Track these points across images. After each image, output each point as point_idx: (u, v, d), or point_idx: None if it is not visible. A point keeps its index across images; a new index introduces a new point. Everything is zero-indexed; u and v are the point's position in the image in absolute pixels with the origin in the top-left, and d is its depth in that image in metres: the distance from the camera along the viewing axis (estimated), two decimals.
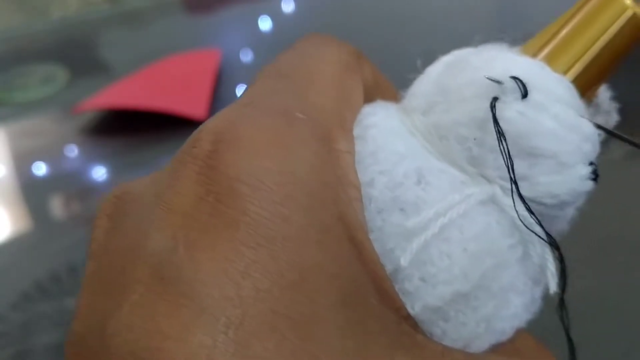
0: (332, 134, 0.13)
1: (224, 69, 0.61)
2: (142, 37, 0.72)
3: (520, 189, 0.13)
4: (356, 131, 0.14)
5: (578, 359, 0.13)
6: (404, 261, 0.13)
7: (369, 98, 0.16)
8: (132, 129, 0.54)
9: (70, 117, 0.56)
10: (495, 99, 0.13)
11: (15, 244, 0.44)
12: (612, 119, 0.15)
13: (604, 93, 0.15)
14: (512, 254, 0.13)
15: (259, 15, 0.70)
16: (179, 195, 0.12)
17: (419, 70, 0.16)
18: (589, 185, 0.14)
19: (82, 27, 0.75)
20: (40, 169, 0.51)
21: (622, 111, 0.15)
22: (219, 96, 0.57)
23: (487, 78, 0.13)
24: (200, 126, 0.13)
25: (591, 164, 0.14)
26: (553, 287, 0.13)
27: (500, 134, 0.13)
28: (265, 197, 0.11)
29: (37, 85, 0.62)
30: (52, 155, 0.52)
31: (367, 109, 0.15)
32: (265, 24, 0.70)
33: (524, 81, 0.13)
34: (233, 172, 0.12)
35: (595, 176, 0.14)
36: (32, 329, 0.38)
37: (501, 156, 0.13)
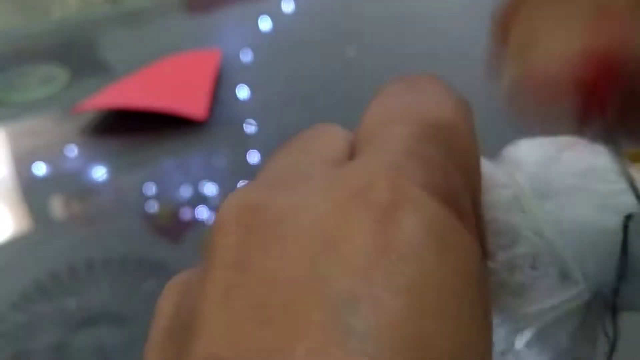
0: (476, 195, 0.14)
1: (224, 69, 0.61)
2: (142, 38, 0.72)
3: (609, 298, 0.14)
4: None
5: None
6: (518, 345, 0.13)
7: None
8: (132, 129, 0.54)
9: (71, 117, 0.56)
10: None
11: (15, 243, 0.44)
12: None
13: None
14: None
15: (259, 15, 0.70)
16: (356, 242, 0.11)
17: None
18: None
19: (82, 27, 0.75)
20: (40, 169, 0.51)
21: None
22: (218, 96, 0.57)
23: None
24: (363, 165, 0.13)
25: None
26: None
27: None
28: (444, 269, 0.12)
29: (37, 85, 0.62)
30: (52, 155, 0.52)
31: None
32: (265, 24, 0.70)
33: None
34: (416, 234, 0.11)
35: None
36: (32, 329, 0.38)
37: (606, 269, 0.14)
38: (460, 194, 0.13)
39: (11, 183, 0.50)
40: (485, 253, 0.13)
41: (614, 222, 0.14)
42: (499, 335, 0.14)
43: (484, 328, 0.12)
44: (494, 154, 0.16)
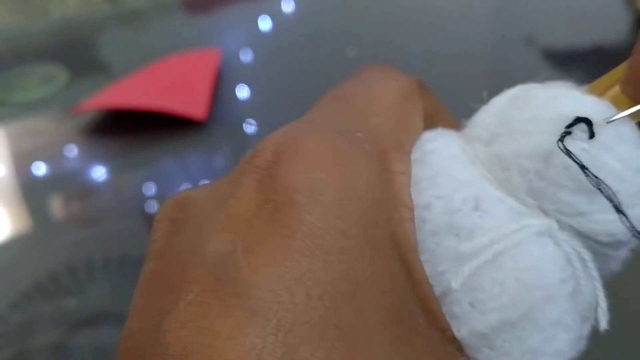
0: (388, 155, 0.14)
1: (224, 69, 0.61)
2: (142, 37, 0.72)
3: (577, 224, 0.13)
4: (415, 155, 0.15)
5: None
6: (454, 284, 0.13)
7: (429, 126, 0.16)
8: (132, 129, 0.54)
9: (70, 117, 0.56)
10: (566, 133, 0.13)
11: (14, 243, 0.44)
12: None
13: None
14: (563, 289, 0.13)
15: (258, 15, 0.70)
16: (239, 202, 0.12)
17: (483, 101, 0.16)
18: None
19: (81, 27, 0.75)
20: (39, 168, 0.51)
21: None
22: (218, 96, 0.57)
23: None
24: (263, 139, 0.13)
25: None
26: (604, 324, 0.13)
27: (582, 166, 0.13)
28: (323, 209, 0.12)
29: (36, 85, 0.62)
30: (51, 155, 0.52)
31: (428, 134, 0.16)
32: (265, 23, 0.70)
33: (591, 121, 0.13)
34: (293, 183, 0.12)
35: None
36: (32, 329, 0.38)
37: (560, 190, 0.13)
38: (355, 149, 0.13)
39: (10, 183, 0.50)
40: (402, 201, 0.14)
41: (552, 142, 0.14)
42: (444, 277, 0.13)
43: (387, 263, 0.12)
44: None
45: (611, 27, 0.64)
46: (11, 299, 0.39)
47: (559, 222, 0.14)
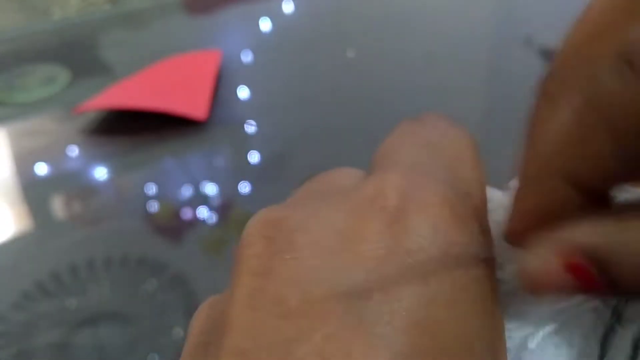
0: (480, 212, 0.15)
1: (225, 70, 0.61)
2: (143, 38, 0.73)
3: None
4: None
5: None
6: (531, 344, 0.14)
7: None
8: (133, 130, 0.54)
9: (72, 117, 0.56)
10: None
11: (16, 243, 0.45)
12: None
13: None
14: None
15: (259, 16, 0.71)
16: (368, 242, 0.13)
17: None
18: None
19: (83, 27, 0.76)
20: (41, 169, 0.51)
21: None
22: (219, 97, 0.57)
23: None
24: (375, 179, 0.14)
25: None
26: None
27: None
28: (450, 264, 0.13)
29: (38, 85, 0.62)
30: (53, 156, 0.52)
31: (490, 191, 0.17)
32: (265, 24, 0.70)
33: None
34: (422, 233, 0.13)
35: None
36: (33, 328, 0.38)
37: None
38: (465, 205, 0.14)
39: (13, 183, 0.50)
40: (492, 260, 0.14)
41: None
42: (514, 338, 0.14)
43: (491, 318, 0.13)
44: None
45: None
46: (13, 298, 0.39)
47: None
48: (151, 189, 0.48)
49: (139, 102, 0.54)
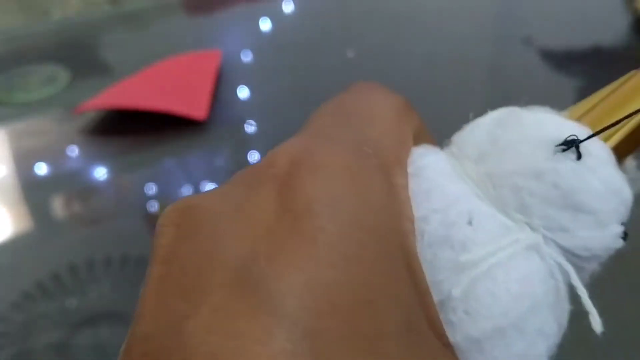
0: (391, 169, 0.15)
1: (225, 70, 0.61)
2: (143, 38, 0.73)
3: (560, 239, 0.15)
4: (410, 170, 0.16)
5: None
6: (455, 293, 0.14)
7: (415, 143, 0.17)
8: (133, 130, 0.54)
9: (72, 117, 0.56)
10: (561, 149, 0.15)
11: (16, 243, 0.45)
12: (637, 186, 0.17)
13: (630, 162, 0.17)
14: (546, 300, 0.15)
15: (259, 17, 0.71)
16: (257, 209, 0.13)
17: (469, 120, 0.17)
18: (620, 243, 0.15)
19: (83, 28, 0.76)
20: (41, 168, 0.51)
21: None
22: (219, 97, 0.57)
23: (558, 144, 0.15)
24: (274, 149, 0.14)
25: (623, 224, 0.15)
26: (598, 328, 0.14)
27: None
28: (342, 219, 0.12)
29: (38, 85, 0.62)
30: (53, 156, 0.52)
31: (419, 150, 0.17)
32: (265, 24, 0.70)
33: (578, 143, 0.15)
34: (311, 194, 0.13)
35: (625, 235, 0.15)
36: (33, 329, 0.38)
37: (548, 207, 0.15)
38: (366, 165, 0.14)
39: (12, 183, 0.50)
40: (407, 215, 0.15)
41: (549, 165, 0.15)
42: (441, 286, 0.14)
43: (398, 272, 0.13)
44: None
45: (610, 28, 0.64)
46: (12, 298, 0.39)
47: (544, 237, 0.15)
48: (151, 189, 0.48)
49: (139, 102, 0.54)
